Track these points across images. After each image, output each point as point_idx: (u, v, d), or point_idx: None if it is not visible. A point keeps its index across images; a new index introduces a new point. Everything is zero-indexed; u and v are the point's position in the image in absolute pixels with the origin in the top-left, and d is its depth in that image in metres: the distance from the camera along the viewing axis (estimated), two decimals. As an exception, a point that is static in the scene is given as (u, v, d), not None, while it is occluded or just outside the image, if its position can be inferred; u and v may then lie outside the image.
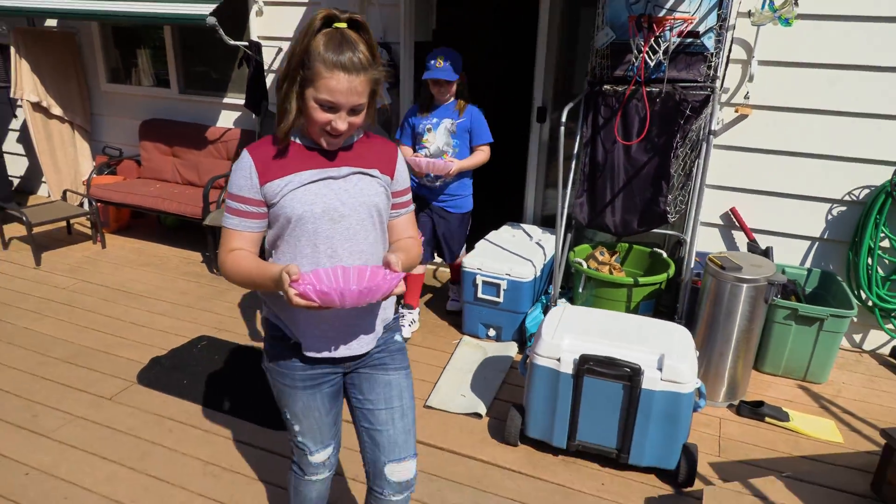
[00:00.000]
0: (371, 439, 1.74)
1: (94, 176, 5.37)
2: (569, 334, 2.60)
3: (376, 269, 1.49)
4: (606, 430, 2.56)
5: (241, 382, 3.27)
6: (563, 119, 3.28)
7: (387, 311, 1.74)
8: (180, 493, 2.49)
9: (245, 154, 1.55)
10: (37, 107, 5.44)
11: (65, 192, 5.48)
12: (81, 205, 5.53)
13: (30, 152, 6.22)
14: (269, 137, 1.58)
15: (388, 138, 1.75)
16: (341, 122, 1.47)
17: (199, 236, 5.02)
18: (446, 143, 3.48)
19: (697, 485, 2.51)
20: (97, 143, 5.92)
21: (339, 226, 1.56)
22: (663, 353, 2.44)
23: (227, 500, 2.46)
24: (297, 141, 1.57)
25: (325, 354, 1.64)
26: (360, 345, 1.67)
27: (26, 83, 5.32)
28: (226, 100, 5.25)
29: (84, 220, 5.68)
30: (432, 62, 3.35)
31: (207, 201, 4.63)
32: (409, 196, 1.75)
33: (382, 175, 1.63)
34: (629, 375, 2.43)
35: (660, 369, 2.41)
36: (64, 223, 5.44)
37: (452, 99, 3.49)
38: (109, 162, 5.61)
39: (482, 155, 3.54)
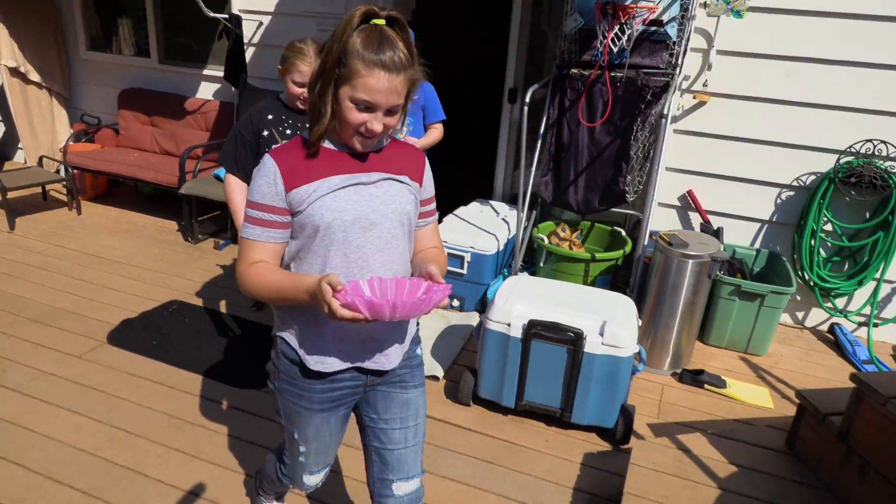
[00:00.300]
0: (380, 458, 1.68)
1: (71, 143, 5.41)
2: (520, 301, 2.74)
3: (417, 281, 1.40)
4: (551, 390, 2.71)
5: (209, 344, 3.38)
6: (527, 100, 3.39)
7: (412, 324, 1.69)
8: (144, 443, 2.61)
9: (268, 159, 1.44)
10: (14, 72, 5.47)
11: (41, 159, 5.52)
12: (58, 171, 5.58)
13: (6, 118, 6.23)
14: (296, 140, 1.49)
15: None
16: (377, 124, 1.39)
17: (176, 205, 5.09)
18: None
19: (633, 443, 2.67)
20: (75, 111, 5.95)
21: (371, 234, 1.47)
22: (606, 319, 2.60)
23: (189, 450, 2.58)
24: (325, 144, 1.48)
25: (352, 364, 1.57)
26: (387, 360, 1.60)
27: (4, 48, 5.34)
28: (206, 71, 5.31)
29: (60, 186, 5.72)
30: None
31: (184, 171, 4.70)
32: (434, 204, 1.67)
33: (412, 182, 1.55)
34: (573, 340, 2.58)
35: (601, 334, 2.57)
36: (39, 189, 5.49)
37: None
38: (87, 130, 5.65)
39: (437, 132, 3.44)
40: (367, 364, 1.58)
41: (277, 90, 5.20)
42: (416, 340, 1.72)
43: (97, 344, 3.32)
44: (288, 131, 2.46)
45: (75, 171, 5.16)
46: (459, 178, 5.65)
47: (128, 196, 5.74)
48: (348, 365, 1.56)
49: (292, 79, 2.39)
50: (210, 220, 5.19)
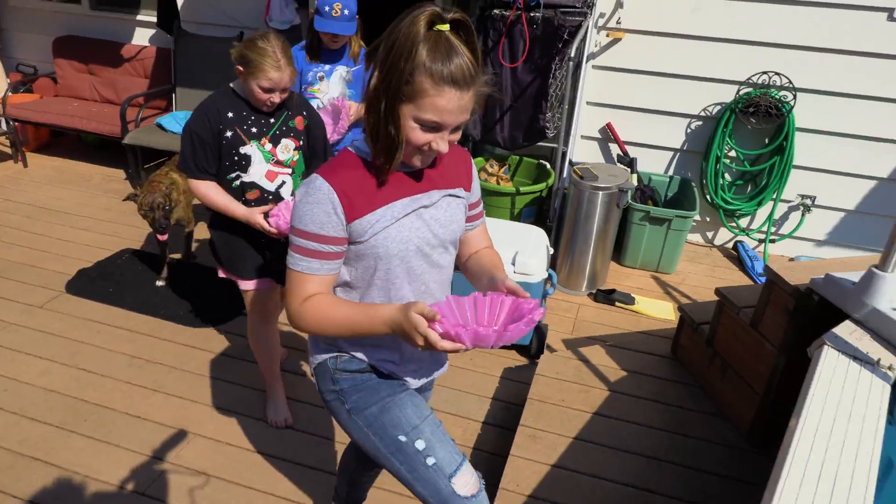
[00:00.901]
0: None
1: (10, 94, 5.40)
2: (443, 237, 3.02)
3: (495, 297, 1.26)
4: (474, 315, 3.03)
5: (162, 289, 3.62)
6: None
7: None
8: (108, 381, 2.88)
9: (322, 184, 1.28)
10: (-59, 24, 5.37)
11: (-20, 112, 5.50)
12: (-1, 124, 5.58)
13: (-61, 70, 6.13)
14: (347, 157, 1.34)
15: None
16: (443, 143, 1.26)
17: (121, 154, 5.18)
18: (342, 93, 3.12)
19: (544, 356, 3.03)
20: (10, 60, 5.88)
21: (430, 259, 1.41)
22: (518, 250, 2.90)
23: (150, 385, 2.86)
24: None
25: (423, 380, 1.56)
26: (438, 365, 1.61)
27: (-73, -1, 5.23)
28: (139, 17, 5.30)
29: (3, 139, 5.73)
30: (327, 8, 2.85)
31: (125, 120, 4.78)
32: (482, 205, 1.59)
33: (465, 193, 1.48)
34: (488, 269, 2.88)
35: (513, 264, 2.88)
36: (-18, 143, 5.51)
37: (346, 44, 3.07)
38: (24, 80, 5.62)
39: None
40: (431, 375, 1.60)
41: (213, 35, 5.20)
42: None
43: (56, 294, 3.52)
44: (254, 129, 2.27)
45: (16, 123, 5.19)
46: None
47: (71, 146, 5.78)
48: (418, 382, 1.55)
49: (259, 84, 2.15)
50: (156, 168, 5.29)
